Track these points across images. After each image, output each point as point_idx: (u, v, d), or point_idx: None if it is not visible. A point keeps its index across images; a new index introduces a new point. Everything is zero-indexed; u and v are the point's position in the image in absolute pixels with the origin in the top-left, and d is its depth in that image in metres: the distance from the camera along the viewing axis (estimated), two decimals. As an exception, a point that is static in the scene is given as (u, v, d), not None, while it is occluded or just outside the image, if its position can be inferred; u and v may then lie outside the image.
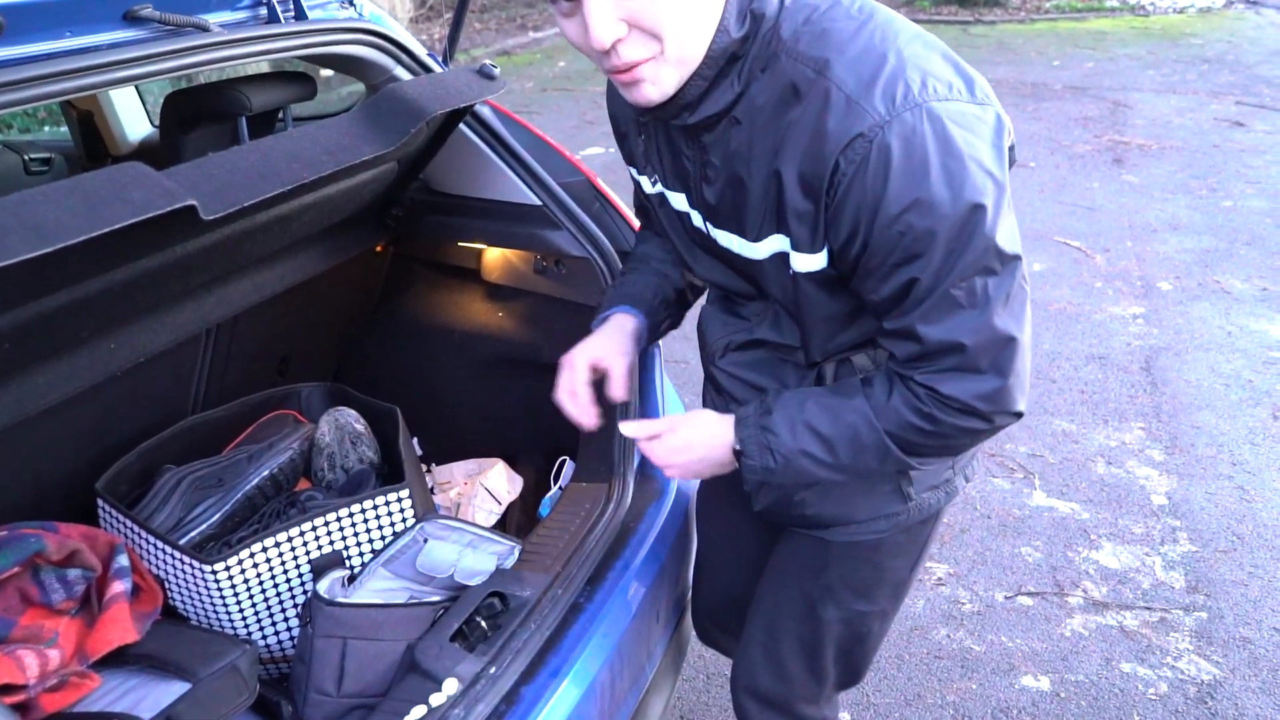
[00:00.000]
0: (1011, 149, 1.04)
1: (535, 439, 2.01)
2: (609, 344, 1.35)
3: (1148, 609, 2.38)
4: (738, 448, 1.17)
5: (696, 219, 1.20)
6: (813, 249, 1.04)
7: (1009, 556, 2.57)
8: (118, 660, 1.24)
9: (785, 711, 1.48)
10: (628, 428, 1.25)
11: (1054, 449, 3.03)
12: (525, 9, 11.65)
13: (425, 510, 1.56)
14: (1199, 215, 4.87)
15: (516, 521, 1.86)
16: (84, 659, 1.22)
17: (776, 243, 1.08)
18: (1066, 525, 2.69)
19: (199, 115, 1.71)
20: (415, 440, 2.04)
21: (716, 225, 1.16)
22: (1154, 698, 2.12)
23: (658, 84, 1.00)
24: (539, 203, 1.72)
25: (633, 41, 0.96)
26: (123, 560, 1.32)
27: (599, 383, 1.34)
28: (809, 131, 0.98)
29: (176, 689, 1.18)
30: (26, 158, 2.65)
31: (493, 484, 1.89)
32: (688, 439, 1.22)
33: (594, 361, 1.32)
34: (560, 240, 1.71)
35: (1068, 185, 5.34)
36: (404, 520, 1.50)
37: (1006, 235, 0.99)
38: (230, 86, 1.66)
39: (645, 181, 1.27)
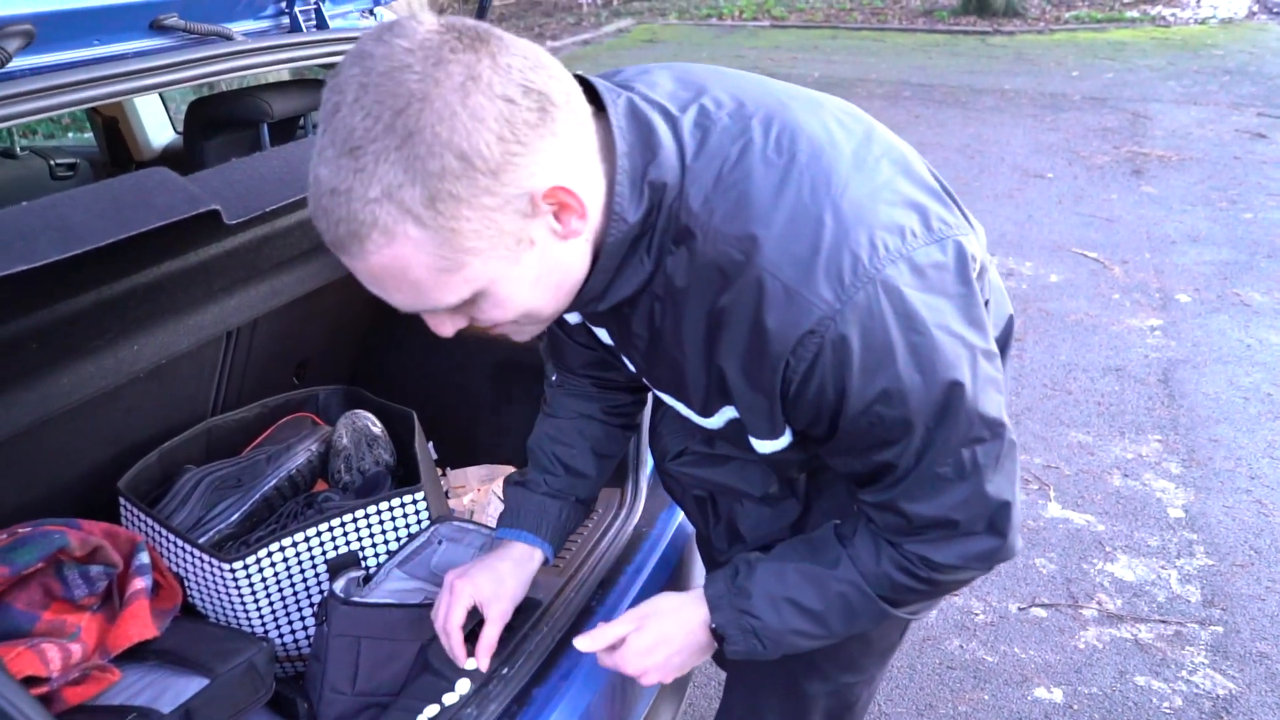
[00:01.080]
0: (982, 268, 0.94)
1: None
2: (495, 585, 1.22)
3: (1163, 622, 2.36)
4: (715, 629, 1.08)
5: (630, 366, 1.09)
6: (773, 436, 0.95)
7: (1023, 568, 2.56)
8: (138, 655, 1.26)
9: None
10: (583, 643, 1.12)
11: (1069, 461, 3.02)
12: (542, 19, 11.72)
13: (440, 512, 1.58)
14: (1219, 227, 4.84)
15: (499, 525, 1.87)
16: (105, 653, 1.24)
17: (730, 412, 0.97)
18: (1081, 537, 2.68)
19: (222, 122, 1.75)
20: (430, 444, 2.06)
21: (659, 389, 1.06)
22: (1168, 712, 2.11)
23: (522, 335, 0.92)
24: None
25: (483, 321, 0.86)
26: (143, 558, 1.34)
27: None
28: (746, 327, 0.85)
29: (195, 684, 1.19)
30: (52, 163, 2.70)
31: (507, 489, 1.90)
32: (660, 633, 1.10)
33: (477, 600, 1.21)
34: (576, 247, 1.73)
35: (1086, 196, 5.32)
36: (419, 522, 1.52)
37: (991, 402, 0.90)
38: (252, 94, 1.69)
39: (568, 315, 1.11)
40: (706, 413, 1.00)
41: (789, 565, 1.05)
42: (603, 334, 1.10)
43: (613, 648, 1.13)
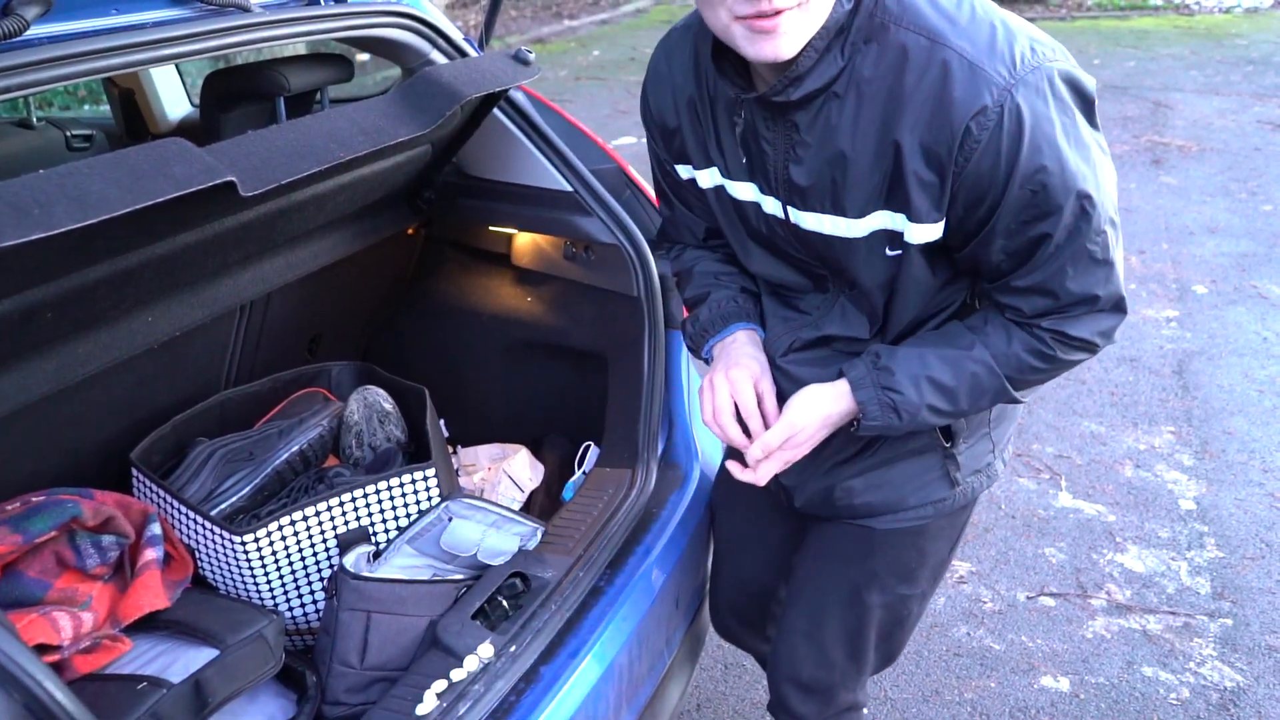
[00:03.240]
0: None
1: (560, 423, 2.02)
2: (758, 368, 1.26)
3: (1172, 614, 2.36)
4: (859, 403, 1.16)
5: (770, 205, 1.17)
6: (932, 219, 1.05)
7: (1032, 557, 2.56)
8: (148, 625, 1.26)
9: (825, 699, 1.49)
10: (734, 467, 1.23)
11: (1082, 450, 3.01)
12: (561, -3, 11.65)
13: (451, 490, 1.58)
14: (1237, 219, 4.79)
15: (540, 504, 1.87)
16: (116, 623, 1.25)
17: (880, 219, 1.08)
18: (1092, 527, 2.67)
19: (238, 95, 1.74)
20: (441, 422, 2.06)
21: (804, 208, 1.13)
22: (1175, 703, 2.10)
23: (792, 36, 0.97)
24: (570, 189, 1.73)
25: None
26: (155, 529, 1.35)
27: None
28: (931, 100, 0.98)
29: (205, 655, 1.20)
30: (69, 134, 2.70)
31: (516, 471, 1.90)
32: (810, 424, 1.18)
33: (755, 381, 1.24)
34: (591, 227, 1.72)
35: (1104, 185, 5.27)
36: (429, 499, 1.52)
37: (1114, 197, 1.05)
38: (269, 67, 1.68)
39: (702, 176, 1.24)
40: (863, 212, 1.08)
41: (928, 350, 1.15)
42: (744, 190, 1.18)
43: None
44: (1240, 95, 7.12)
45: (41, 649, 1.14)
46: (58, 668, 1.15)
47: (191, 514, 1.41)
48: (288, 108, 1.73)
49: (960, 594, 2.43)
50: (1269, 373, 3.41)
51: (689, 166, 1.26)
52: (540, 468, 1.94)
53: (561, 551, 1.44)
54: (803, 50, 0.99)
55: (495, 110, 1.71)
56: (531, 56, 1.58)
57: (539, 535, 1.47)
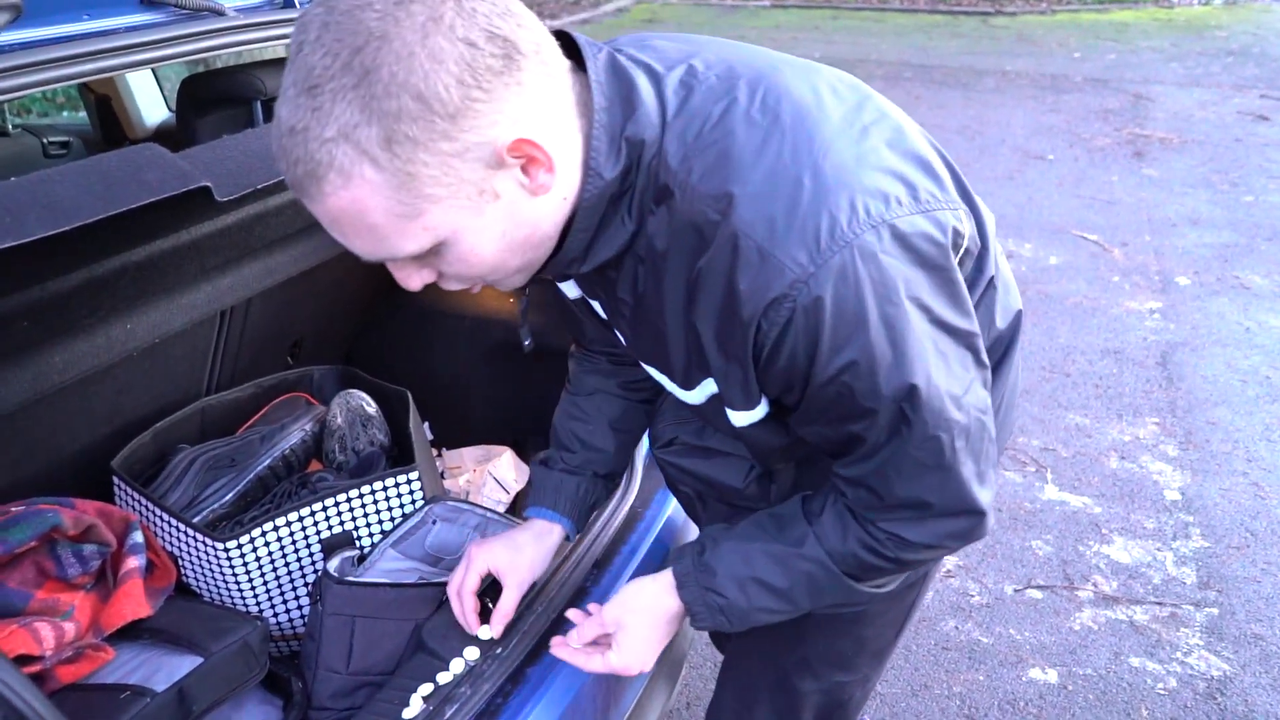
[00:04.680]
0: (966, 247, 0.92)
1: (544, 423, 2.01)
2: (511, 556, 1.24)
3: (1158, 604, 2.37)
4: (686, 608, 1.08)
5: (621, 339, 1.07)
6: (748, 406, 0.93)
7: (1019, 550, 2.57)
8: (132, 634, 1.26)
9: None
10: (561, 651, 1.14)
11: (1067, 443, 3.02)
12: (544, -2, 11.64)
13: (434, 492, 1.58)
14: (1219, 210, 4.83)
15: (524, 505, 1.87)
16: (99, 632, 1.24)
17: (711, 386, 0.96)
18: (1078, 519, 2.68)
19: (214, 99, 1.73)
20: (425, 425, 2.05)
21: (645, 361, 1.04)
22: (1163, 692, 2.11)
23: (504, 286, 0.89)
24: (551, 189, 1.72)
25: (448, 279, 0.86)
26: (137, 537, 1.34)
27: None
28: (720, 290, 0.83)
29: (189, 662, 1.19)
30: (45, 141, 2.68)
31: (501, 473, 1.90)
32: (640, 629, 1.09)
33: (492, 568, 1.24)
34: (572, 226, 1.72)
35: (1086, 178, 5.30)
36: (413, 501, 1.52)
37: (965, 384, 0.88)
38: (245, 71, 1.68)
39: (565, 285, 1.11)
40: (688, 385, 0.98)
41: (755, 545, 1.04)
42: (597, 306, 1.08)
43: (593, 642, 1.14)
44: (1220, 87, 7.17)
45: (23, 660, 1.13)
46: (40, 678, 1.14)
47: (174, 521, 1.40)
48: (265, 111, 1.72)
49: (948, 588, 2.44)
50: (1252, 362, 3.43)
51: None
52: (525, 468, 1.94)
53: (547, 552, 1.44)
54: (568, 238, 0.85)
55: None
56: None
57: (524, 537, 1.46)
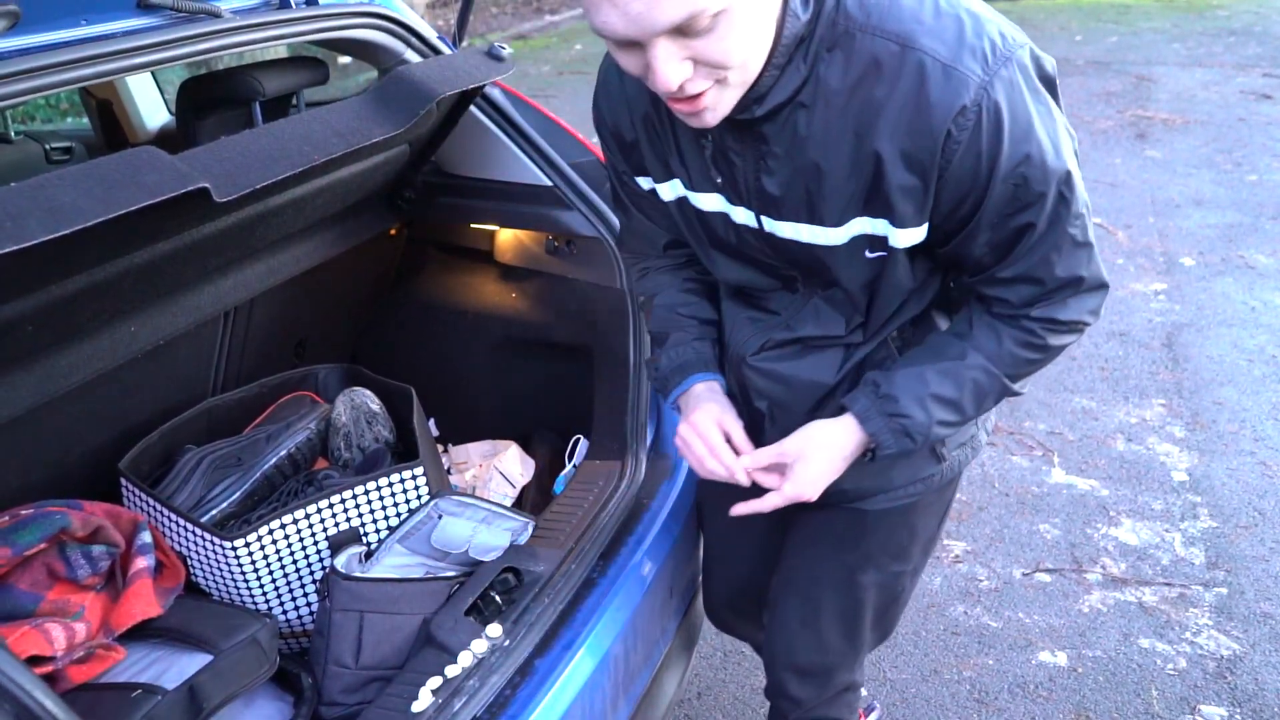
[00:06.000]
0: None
1: (549, 417, 2.03)
2: (720, 406, 1.28)
3: (1167, 585, 2.37)
4: (870, 435, 1.17)
5: (741, 215, 1.15)
6: (916, 223, 1.05)
7: (1027, 534, 2.57)
8: (142, 633, 1.27)
9: (823, 681, 1.49)
10: (745, 461, 1.21)
11: (1073, 426, 3.02)
12: (542, -8, 11.61)
13: (440, 487, 1.58)
14: (1223, 190, 4.81)
15: (531, 499, 1.88)
16: (109, 632, 1.25)
17: (860, 225, 1.07)
18: (1085, 502, 2.68)
19: (213, 101, 1.74)
20: (431, 421, 2.06)
21: (779, 218, 1.11)
22: (1172, 673, 2.11)
23: (718, 109, 0.97)
24: (550, 183, 1.73)
25: (698, 76, 0.93)
26: (146, 537, 1.35)
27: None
28: (908, 108, 0.96)
29: (199, 660, 1.20)
30: (48, 146, 2.69)
31: (507, 467, 1.91)
32: (819, 463, 1.18)
33: (719, 419, 1.26)
34: (572, 220, 1.73)
35: (1090, 161, 5.27)
36: (419, 497, 1.53)
37: (1082, 180, 1.06)
38: (243, 72, 1.68)
39: (663, 189, 1.21)
40: (842, 219, 1.07)
41: (924, 367, 1.16)
42: (710, 200, 1.17)
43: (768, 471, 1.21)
44: (1223, 66, 7.13)
45: (35, 660, 1.14)
46: (52, 679, 1.15)
47: (181, 521, 1.41)
48: (264, 113, 1.73)
49: (956, 573, 2.44)
50: (1258, 342, 3.42)
51: (648, 179, 1.24)
52: (531, 463, 1.94)
53: (553, 545, 1.44)
54: (764, 69, 0.97)
55: (472, 107, 1.71)
56: (505, 52, 1.58)
57: (530, 530, 1.47)
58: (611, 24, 0.87)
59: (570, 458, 1.87)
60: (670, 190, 1.21)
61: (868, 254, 1.09)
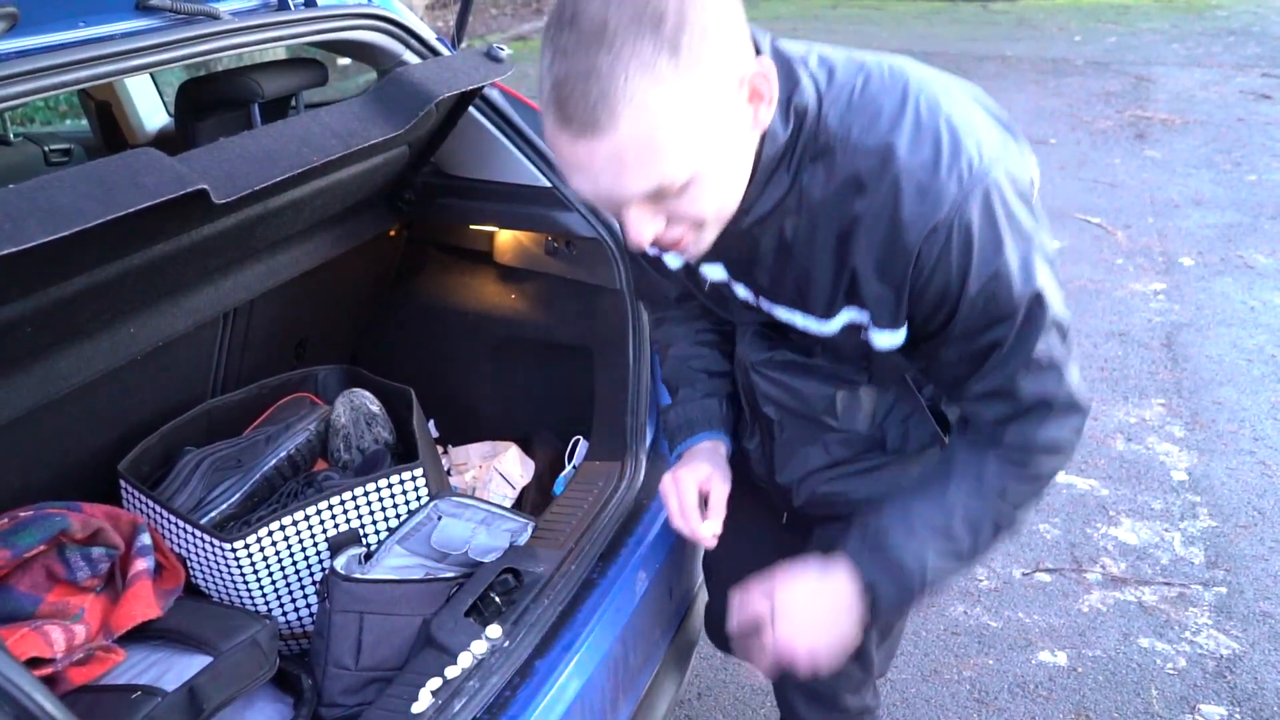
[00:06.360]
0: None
1: (549, 418, 2.03)
2: (711, 465, 1.32)
3: (1167, 584, 2.37)
4: (868, 584, 1.15)
5: (741, 291, 1.18)
6: (894, 326, 1.06)
7: (1027, 533, 2.57)
8: (142, 635, 1.27)
9: (830, 703, 1.46)
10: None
11: (1073, 426, 3.01)
12: (541, -6, 11.62)
13: (440, 488, 1.58)
14: (1222, 190, 4.81)
15: (532, 500, 1.88)
16: (109, 634, 1.25)
17: (848, 315, 1.08)
18: (1085, 502, 2.68)
19: (212, 103, 1.74)
20: (431, 422, 2.06)
21: (774, 301, 1.15)
22: (1172, 672, 2.12)
23: (697, 247, 0.99)
24: (549, 184, 1.73)
25: (671, 228, 0.95)
26: (145, 539, 1.35)
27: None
28: (883, 223, 0.98)
29: (198, 662, 1.20)
30: (47, 149, 2.69)
31: (507, 468, 1.91)
32: (809, 613, 1.16)
33: (700, 485, 1.30)
34: (571, 221, 1.73)
35: (1089, 161, 5.28)
36: (419, 498, 1.53)
37: (1061, 300, 1.05)
38: (242, 73, 1.68)
39: (669, 257, 1.23)
40: (830, 313, 1.09)
41: (913, 509, 1.14)
42: (714, 271, 1.19)
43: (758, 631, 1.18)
44: (1222, 66, 7.14)
45: (34, 662, 1.14)
46: (51, 681, 1.15)
47: (181, 523, 1.41)
48: (263, 114, 1.73)
49: (956, 573, 2.44)
50: (1257, 341, 3.42)
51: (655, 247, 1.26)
52: (531, 464, 1.94)
53: (553, 546, 1.44)
54: (748, 186, 0.99)
55: (471, 109, 1.71)
56: (504, 54, 1.58)
57: (529, 530, 1.47)
58: (583, 191, 0.91)
59: (570, 458, 1.87)
60: (674, 259, 1.23)
61: (860, 336, 1.10)
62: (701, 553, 1.68)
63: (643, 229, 0.93)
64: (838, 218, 1.00)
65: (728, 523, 1.55)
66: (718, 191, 0.93)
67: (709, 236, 0.99)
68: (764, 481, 1.38)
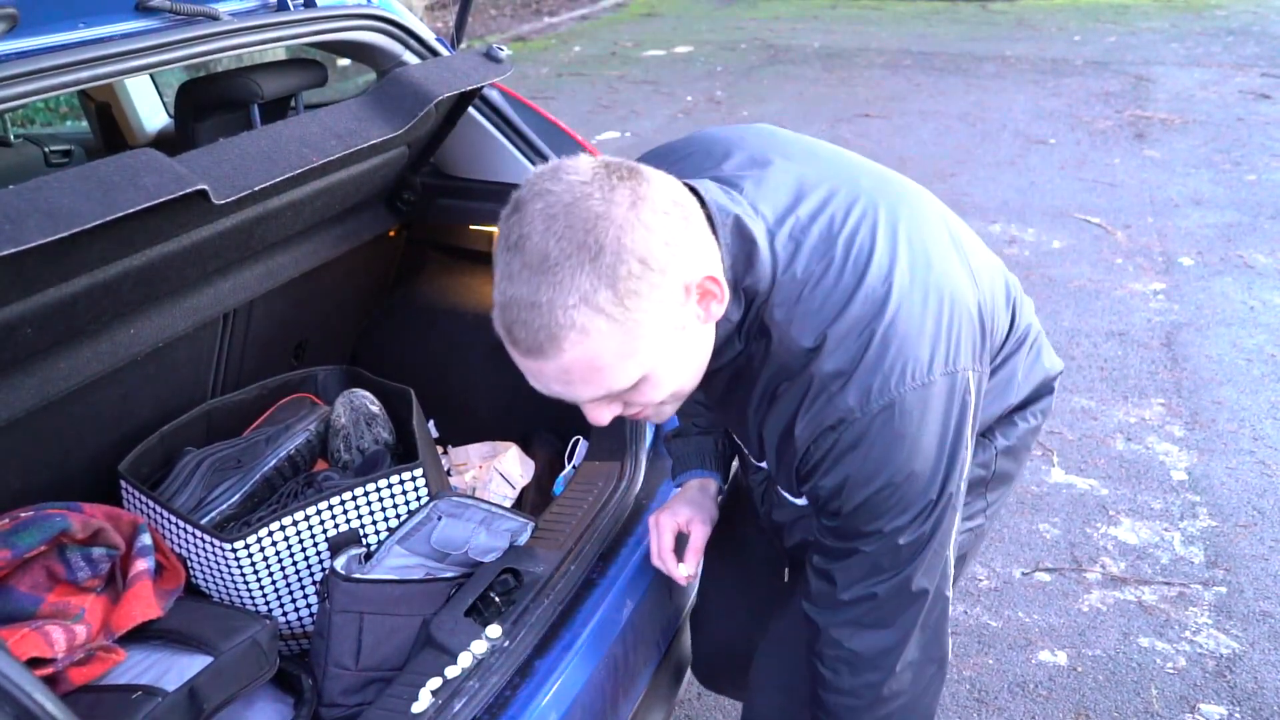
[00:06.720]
0: (1027, 331, 1.22)
1: (549, 419, 2.03)
2: (692, 509, 1.42)
3: (1166, 584, 2.37)
4: None
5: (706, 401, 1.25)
6: (795, 496, 1.15)
7: (1027, 533, 2.57)
8: (142, 635, 1.27)
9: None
10: None
11: (1073, 426, 3.02)
12: (541, -6, 11.62)
13: (440, 488, 1.58)
14: (1222, 189, 4.81)
15: (531, 500, 1.88)
16: (110, 634, 1.25)
17: (764, 466, 1.18)
18: (1085, 502, 2.68)
19: (212, 103, 1.74)
20: (431, 422, 2.06)
21: (725, 424, 1.25)
22: (1172, 671, 2.12)
23: (659, 416, 1.07)
24: (548, 184, 1.73)
25: (630, 407, 1.01)
26: (145, 539, 1.35)
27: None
28: (788, 414, 1.05)
29: (199, 662, 1.21)
30: (47, 149, 2.70)
31: (507, 468, 1.91)
32: None
33: (680, 526, 1.40)
34: (570, 221, 1.72)
35: (1088, 161, 5.28)
36: (418, 498, 1.53)
37: (940, 557, 1.10)
38: (242, 74, 1.68)
39: None
40: (759, 457, 1.16)
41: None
42: None
43: None
44: (1221, 66, 7.14)
45: (35, 663, 1.14)
46: (52, 681, 1.15)
47: (181, 523, 1.42)
48: (262, 115, 1.73)
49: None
50: (1256, 341, 3.42)
51: None
52: (531, 464, 1.94)
53: (552, 546, 1.45)
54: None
55: (471, 109, 1.72)
56: (503, 54, 1.58)
57: (529, 530, 1.47)
58: (540, 389, 0.96)
59: (570, 459, 1.87)
60: None
61: (776, 485, 1.23)
62: (693, 605, 1.64)
63: (601, 416, 1.00)
64: (766, 390, 1.07)
65: (722, 572, 1.55)
66: (671, 381, 0.98)
67: (669, 410, 1.06)
68: (765, 520, 1.41)
